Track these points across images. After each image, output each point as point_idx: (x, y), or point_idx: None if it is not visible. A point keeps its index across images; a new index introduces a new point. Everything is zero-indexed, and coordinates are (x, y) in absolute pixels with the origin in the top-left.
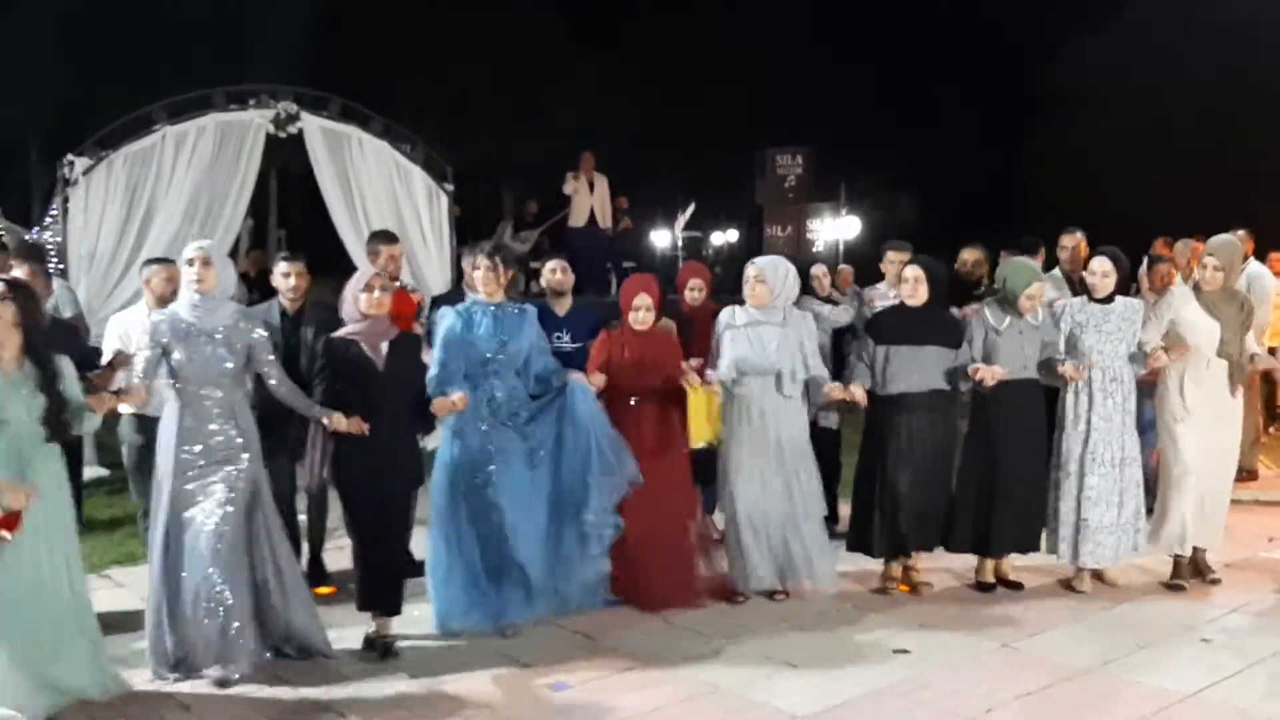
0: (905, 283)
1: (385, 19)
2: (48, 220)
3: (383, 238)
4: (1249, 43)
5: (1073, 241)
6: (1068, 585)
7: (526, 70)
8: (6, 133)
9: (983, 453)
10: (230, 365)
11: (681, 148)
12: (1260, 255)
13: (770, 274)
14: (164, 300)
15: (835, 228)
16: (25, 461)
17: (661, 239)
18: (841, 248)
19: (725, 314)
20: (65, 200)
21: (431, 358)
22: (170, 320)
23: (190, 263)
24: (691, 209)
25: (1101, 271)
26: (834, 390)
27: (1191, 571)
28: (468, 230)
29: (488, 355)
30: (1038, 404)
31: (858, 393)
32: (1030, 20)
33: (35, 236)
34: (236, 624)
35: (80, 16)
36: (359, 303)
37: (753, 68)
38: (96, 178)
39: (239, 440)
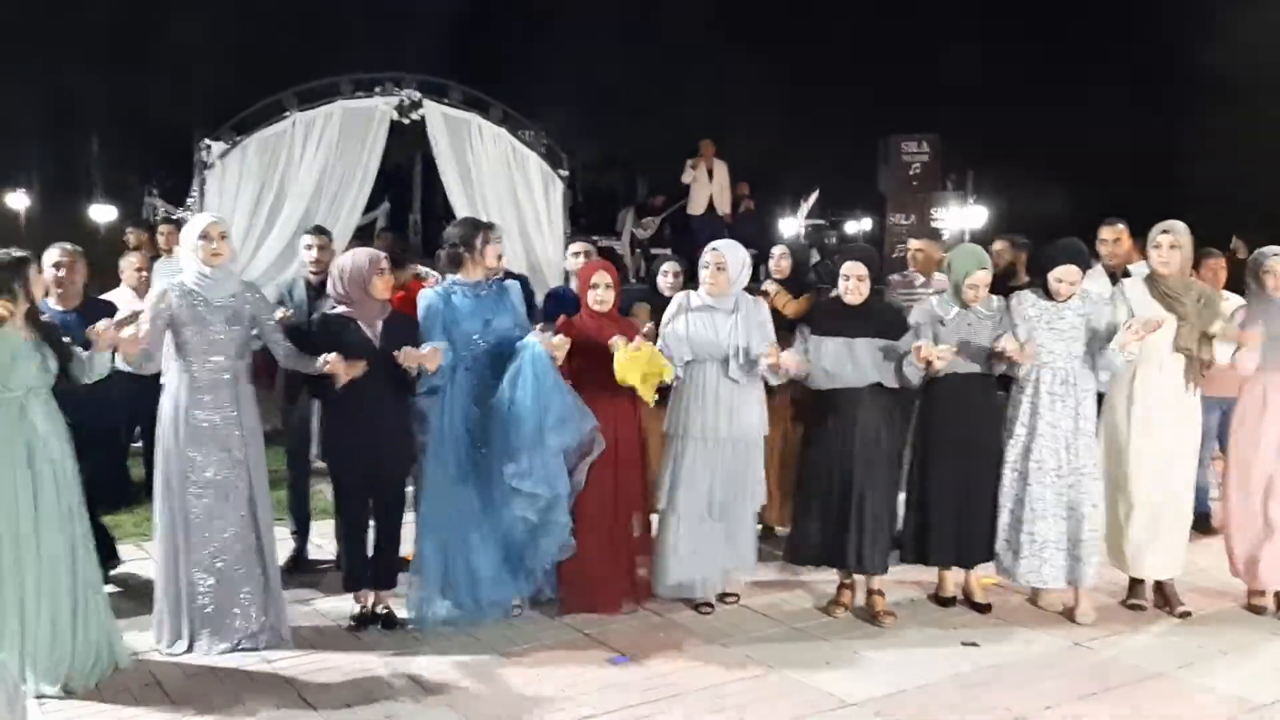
0: (846, 280)
1: (533, 13)
2: (189, 201)
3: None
4: None
5: (1113, 234)
6: (1032, 602)
7: (665, 60)
8: (174, 117)
9: (924, 454)
10: (235, 335)
11: (811, 135)
12: None
13: (731, 260)
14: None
15: (961, 216)
16: (31, 429)
17: (788, 228)
18: (967, 237)
19: (680, 297)
20: (203, 183)
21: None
22: (179, 290)
23: (207, 236)
24: (815, 197)
25: (1069, 280)
26: (770, 355)
27: (1160, 601)
28: (596, 217)
29: (474, 335)
30: (986, 402)
31: (790, 360)
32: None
33: (181, 215)
34: (245, 593)
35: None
36: (372, 286)
37: (884, 52)
38: (231, 162)
39: (238, 412)
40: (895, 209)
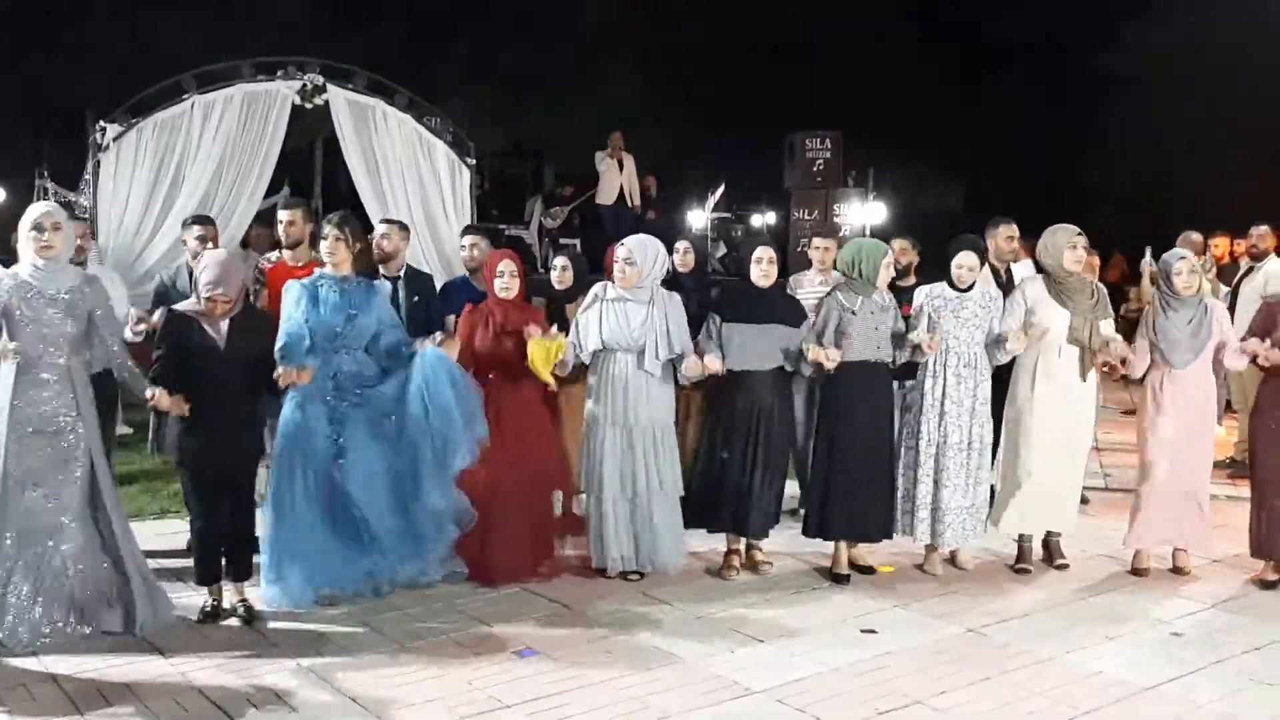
0: (759, 263)
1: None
2: (82, 184)
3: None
4: None
5: (1006, 232)
6: (918, 568)
7: (576, 52)
8: (68, 97)
9: (826, 435)
10: (70, 330)
11: (718, 129)
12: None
13: (640, 256)
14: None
15: (863, 212)
16: None
17: (697, 220)
18: (869, 233)
19: (597, 287)
20: (97, 165)
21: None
22: (12, 281)
23: (39, 228)
24: (720, 191)
25: (969, 266)
26: (692, 365)
27: (1045, 557)
28: (504, 206)
29: (336, 330)
30: (884, 388)
31: (713, 364)
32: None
33: (75, 199)
34: (88, 592)
35: None
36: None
37: (791, 51)
38: (126, 144)
39: (74, 408)
40: (799, 204)
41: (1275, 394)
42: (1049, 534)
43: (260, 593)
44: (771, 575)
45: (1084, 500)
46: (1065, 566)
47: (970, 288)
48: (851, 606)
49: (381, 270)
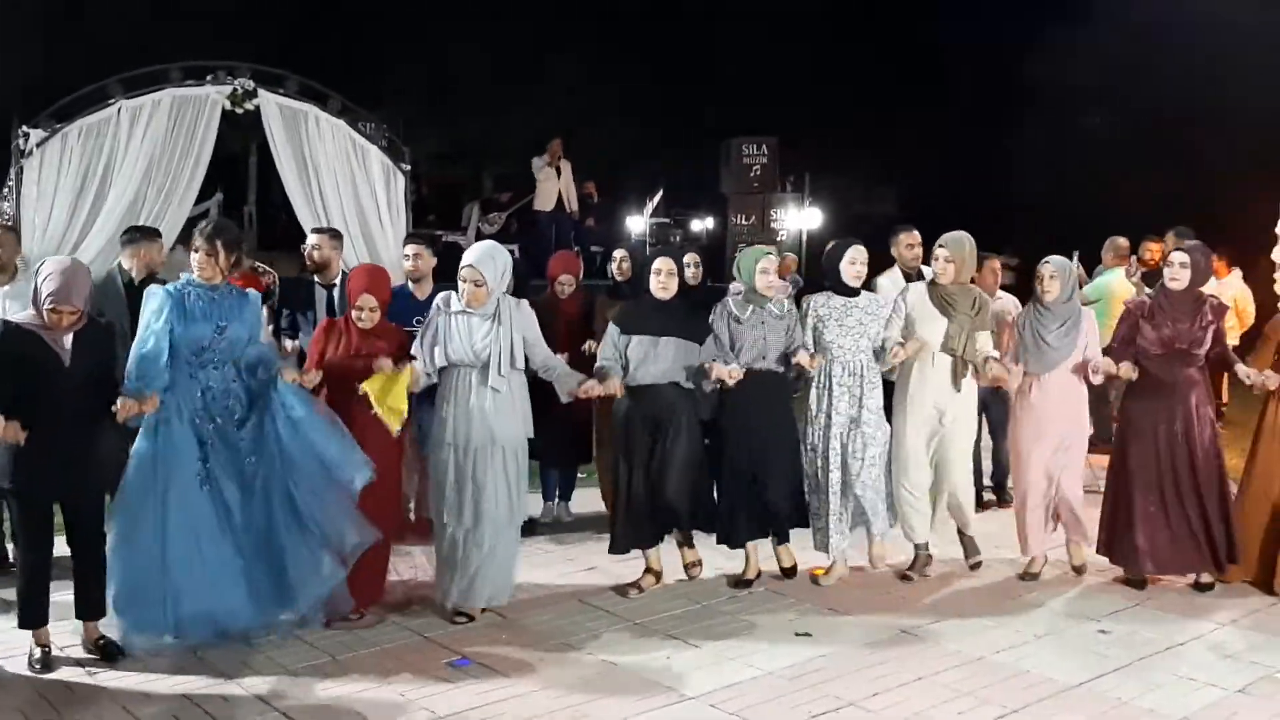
0: (657, 275)
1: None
2: (4, 191)
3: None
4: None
5: (909, 240)
6: (826, 573)
7: (514, 56)
8: None
9: (726, 444)
10: None
11: (657, 135)
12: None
13: (487, 273)
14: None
15: (799, 218)
16: None
17: (636, 225)
18: (805, 238)
19: (440, 299)
20: (20, 172)
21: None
22: None
23: None
24: (659, 197)
25: (861, 261)
26: (591, 388)
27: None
28: (441, 212)
29: (203, 344)
30: (779, 395)
31: (610, 386)
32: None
33: None
34: None
35: None
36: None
37: (728, 57)
38: (50, 150)
39: None
40: (736, 210)
41: (1142, 391)
42: (959, 533)
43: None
44: (707, 582)
45: (987, 503)
46: (979, 565)
47: (855, 292)
48: (787, 610)
49: (317, 279)
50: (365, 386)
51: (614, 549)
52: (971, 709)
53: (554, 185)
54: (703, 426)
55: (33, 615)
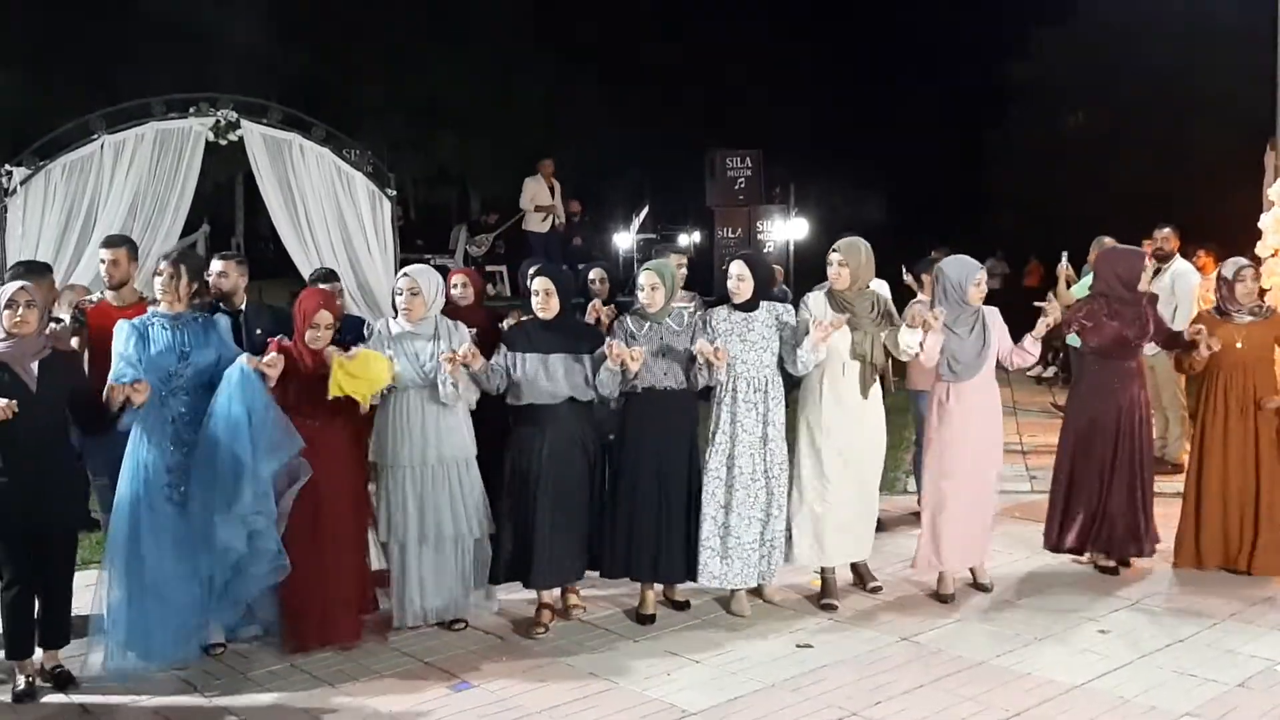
0: (536, 295)
1: (357, 27)
2: None
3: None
4: (1206, 39)
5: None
6: (725, 606)
7: (497, 79)
8: None
9: (623, 470)
10: None
11: (641, 150)
12: (1186, 254)
13: (424, 284)
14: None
15: (785, 229)
16: None
17: (623, 241)
18: (792, 248)
19: (380, 325)
20: (4, 210)
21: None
22: None
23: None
24: (645, 212)
25: (738, 275)
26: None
27: (855, 581)
28: (429, 236)
29: (169, 370)
30: (678, 417)
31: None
32: (990, 16)
33: None
34: None
35: (40, 25)
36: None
37: (710, 71)
38: (35, 187)
39: None
40: (722, 222)
41: (1098, 380)
42: (854, 563)
43: (103, 661)
44: (702, 598)
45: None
46: (879, 589)
47: (752, 305)
48: (786, 623)
49: (223, 307)
50: (333, 389)
51: (491, 579)
52: (975, 714)
53: (546, 205)
54: (603, 450)
55: (17, 646)
